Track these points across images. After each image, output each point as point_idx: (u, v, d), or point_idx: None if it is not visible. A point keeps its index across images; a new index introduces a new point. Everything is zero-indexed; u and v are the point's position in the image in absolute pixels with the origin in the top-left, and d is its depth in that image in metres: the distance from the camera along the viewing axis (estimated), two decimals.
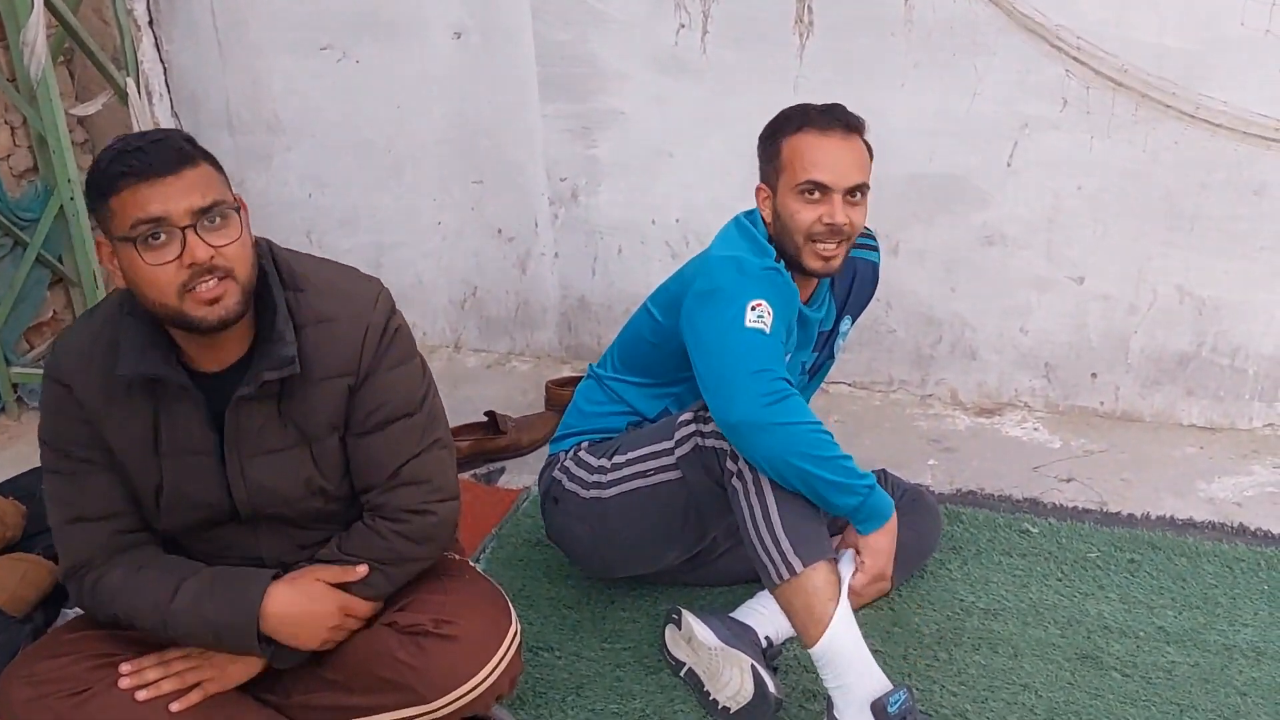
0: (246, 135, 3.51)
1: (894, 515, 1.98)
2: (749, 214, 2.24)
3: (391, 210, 3.47)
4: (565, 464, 2.29)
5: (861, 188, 2.11)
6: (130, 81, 3.24)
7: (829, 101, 2.16)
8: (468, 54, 3.25)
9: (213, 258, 1.58)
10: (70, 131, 3.30)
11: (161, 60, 3.46)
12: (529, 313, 3.49)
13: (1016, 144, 2.90)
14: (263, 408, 1.72)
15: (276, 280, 1.71)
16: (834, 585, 1.91)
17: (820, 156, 2.08)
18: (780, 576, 1.92)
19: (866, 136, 2.15)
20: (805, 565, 1.91)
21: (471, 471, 2.91)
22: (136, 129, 3.19)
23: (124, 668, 1.73)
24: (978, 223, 3.00)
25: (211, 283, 1.59)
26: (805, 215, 2.09)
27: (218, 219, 1.60)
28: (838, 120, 2.11)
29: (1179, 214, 2.84)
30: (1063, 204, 2.92)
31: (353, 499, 1.84)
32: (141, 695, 1.72)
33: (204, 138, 3.68)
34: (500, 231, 3.39)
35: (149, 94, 3.37)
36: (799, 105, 2.17)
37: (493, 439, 2.98)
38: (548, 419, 3.07)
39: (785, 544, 1.92)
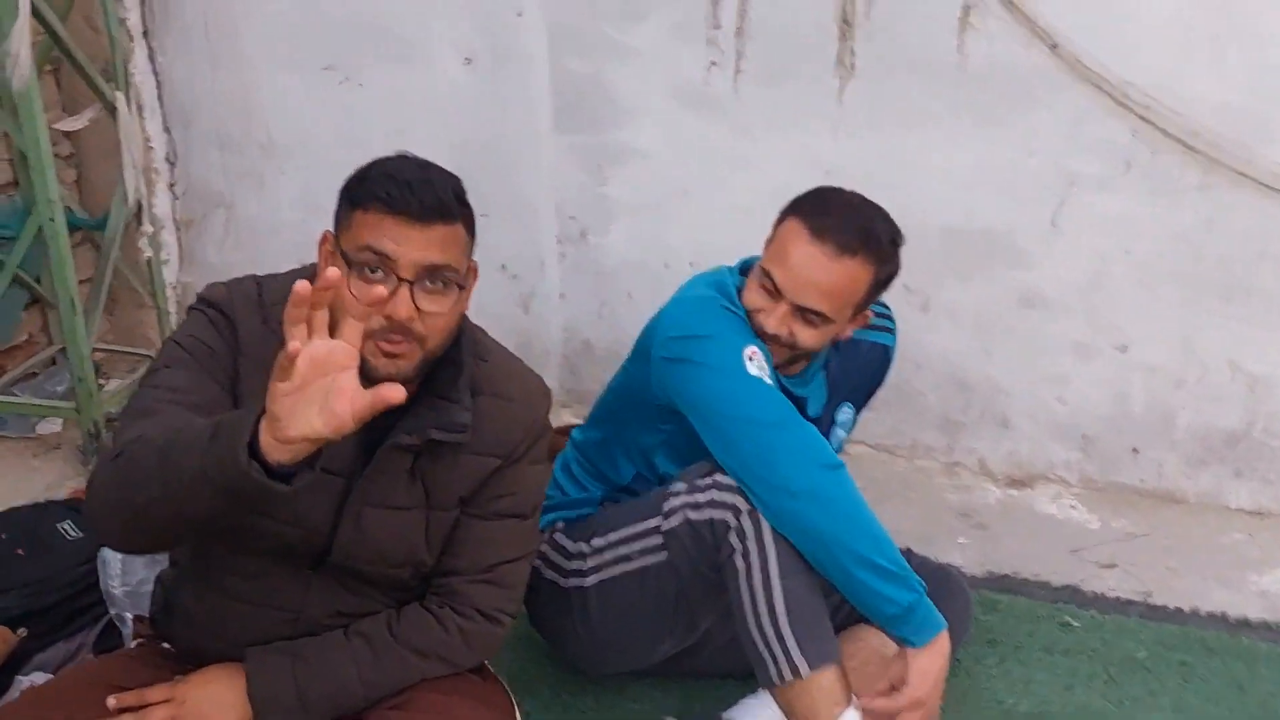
0: (238, 155, 3.30)
1: (946, 632, 1.75)
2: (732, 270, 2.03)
3: None
4: (542, 549, 2.06)
5: (820, 315, 1.84)
6: (120, 95, 3.03)
7: (862, 205, 1.90)
8: (478, 81, 3.05)
9: (412, 320, 1.48)
10: (55, 145, 3.10)
11: (155, 73, 3.25)
12: (530, 354, 3.27)
13: (1063, 202, 2.71)
14: (403, 460, 1.59)
15: (469, 343, 1.63)
16: (843, 690, 1.70)
17: (791, 253, 1.83)
18: (782, 676, 1.72)
19: (882, 240, 1.87)
20: (812, 668, 1.70)
21: None
22: (124, 146, 2.99)
23: None
24: (1017, 283, 2.81)
25: (400, 340, 1.49)
26: (750, 299, 1.88)
27: (440, 284, 1.50)
28: (842, 235, 1.81)
29: (1234, 284, 2.66)
30: (1109, 267, 2.74)
31: (427, 580, 1.70)
32: None
33: (194, 156, 3.54)
34: (504, 268, 3.19)
35: (139, 108, 3.17)
36: (828, 191, 1.93)
37: None
38: (547, 470, 2.87)
39: (790, 640, 1.72)
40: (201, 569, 1.63)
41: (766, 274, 1.86)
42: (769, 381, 1.81)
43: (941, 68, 2.65)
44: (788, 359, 1.90)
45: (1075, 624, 2.37)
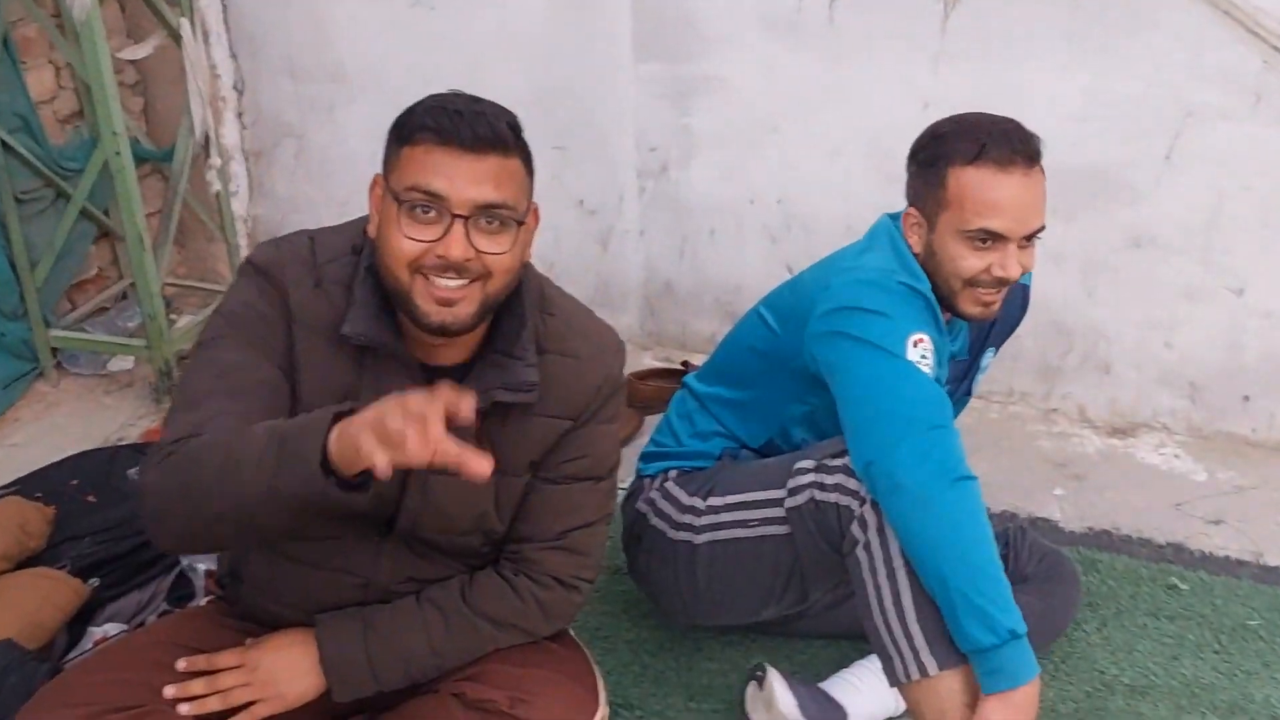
0: (308, 84, 3.20)
1: (1035, 687, 1.58)
2: (895, 218, 1.90)
3: None
4: (651, 495, 1.99)
5: (1039, 231, 1.76)
6: (185, 22, 2.94)
7: (999, 116, 1.77)
8: (554, 6, 2.91)
9: (469, 260, 1.38)
10: (120, 74, 3.03)
11: None
12: (609, 294, 3.18)
13: (1179, 135, 2.53)
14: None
15: (533, 296, 1.52)
16: (973, 692, 1.60)
17: (999, 198, 1.71)
18: (909, 674, 1.62)
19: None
20: (941, 668, 1.60)
21: None
22: (190, 75, 2.91)
23: (168, 691, 1.46)
24: (1125, 222, 2.64)
25: (454, 283, 1.39)
26: (972, 263, 1.75)
27: (497, 223, 1.40)
28: (1019, 152, 1.72)
29: None
30: (1226, 205, 2.56)
31: (500, 546, 1.61)
32: (184, 709, 1.45)
33: (262, 84, 3.44)
34: (582, 203, 3.08)
35: (205, 35, 3.07)
36: (967, 121, 1.78)
37: None
38: (630, 418, 2.78)
39: (919, 639, 1.61)
40: None
41: (979, 235, 1.73)
42: (928, 372, 1.69)
43: None
44: (1003, 296, 1.81)
45: (1183, 586, 2.24)
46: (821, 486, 1.75)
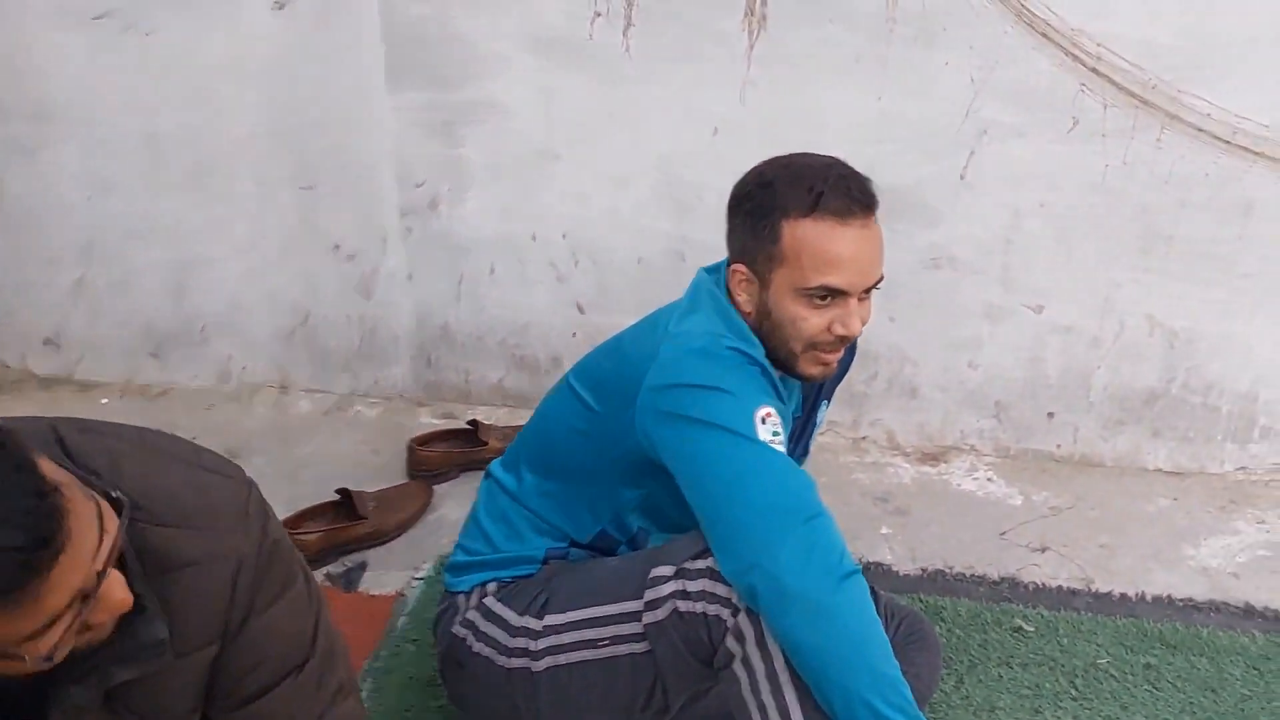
0: (5, 124, 2.71)
1: None
2: (713, 273, 1.70)
3: (198, 220, 2.74)
4: (469, 615, 1.70)
5: (879, 282, 1.61)
6: None
7: (828, 158, 1.59)
8: (294, 27, 2.56)
9: None
10: None
11: None
12: (376, 344, 2.85)
13: (973, 153, 2.46)
14: (91, 707, 1.08)
15: (122, 522, 1.02)
16: None
17: (839, 253, 1.54)
18: None
19: None
20: None
21: (324, 570, 2.30)
22: None
23: None
24: (925, 243, 2.55)
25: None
26: (813, 323, 1.57)
27: None
28: (857, 201, 1.55)
29: (1154, 235, 2.48)
30: (1022, 223, 2.51)
31: None
32: None
33: None
34: (338, 247, 2.73)
35: None
36: (796, 166, 1.59)
37: (349, 526, 2.35)
38: (415, 492, 2.48)
39: None
40: None
41: (819, 293, 1.55)
42: (781, 449, 1.49)
43: (857, 8, 2.34)
44: (841, 353, 1.66)
45: (1028, 628, 2.16)
46: (685, 595, 1.52)
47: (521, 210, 2.66)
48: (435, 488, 2.53)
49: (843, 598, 1.41)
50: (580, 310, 2.71)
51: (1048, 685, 2.03)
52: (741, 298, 1.63)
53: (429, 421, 2.79)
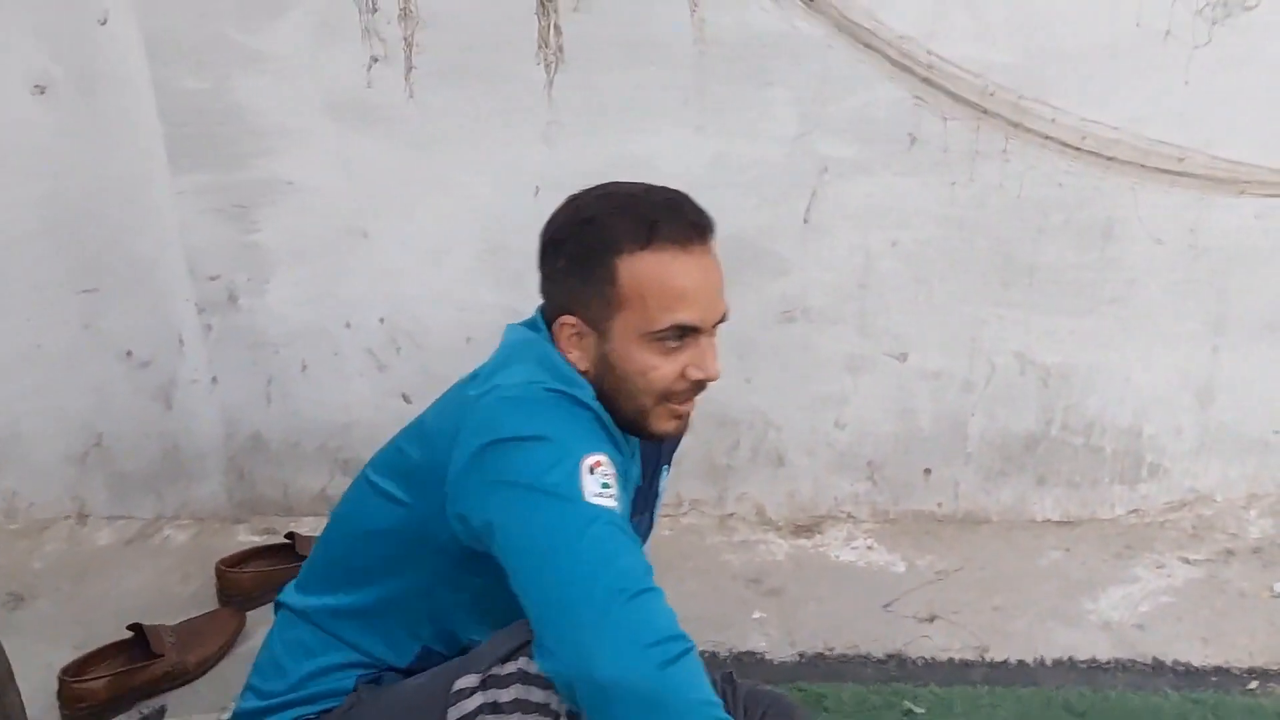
0: None
1: None
2: (534, 328, 1.46)
3: None
4: None
5: (725, 317, 1.40)
6: None
7: (650, 185, 1.39)
8: (59, 113, 2.30)
9: None
10: None
11: None
12: (181, 461, 2.54)
13: (814, 193, 2.28)
14: None
15: None
16: None
17: (686, 285, 1.33)
18: None
19: None
20: None
21: None
22: None
23: None
24: (775, 294, 2.35)
25: None
26: (665, 370, 1.35)
27: None
28: (695, 225, 1.35)
29: (1014, 266, 2.32)
30: (875, 265, 2.33)
31: None
32: None
33: None
34: (130, 355, 2.43)
35: None
36: (618, 197, 1.39)
37: (145, 666, 2.02)
38: (223, 621, 2.17)
39: None
40: None
41: (670, 334, 1.33)
42: (614, 505, 1.23)
43: (670, 45, 2.16)
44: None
45: (918, 710, 1.92)
46: (495, 708, 1.26)
47: (331, 296, 2.40)
48: (249, 614, 2.22)
49: (674, 680, 1.15)
50: (406, 400, 2.44)
51: None
52: (574, 354, 1.38)
53: (248, 540, 2.48)
